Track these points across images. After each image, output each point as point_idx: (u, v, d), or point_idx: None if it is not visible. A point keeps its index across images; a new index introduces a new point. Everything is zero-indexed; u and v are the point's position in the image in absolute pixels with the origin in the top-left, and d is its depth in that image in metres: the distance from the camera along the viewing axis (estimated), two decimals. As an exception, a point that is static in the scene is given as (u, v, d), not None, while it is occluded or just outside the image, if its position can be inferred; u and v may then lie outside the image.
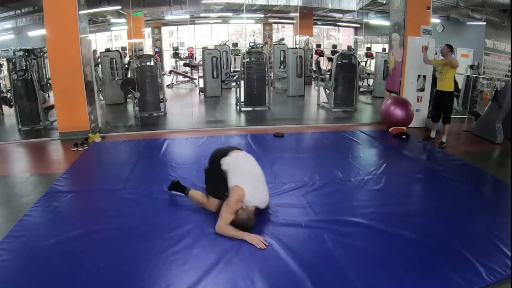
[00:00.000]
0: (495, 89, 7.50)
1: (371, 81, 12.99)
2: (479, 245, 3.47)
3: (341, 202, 4.42)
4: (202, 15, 16.57)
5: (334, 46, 15.40)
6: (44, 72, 11.90)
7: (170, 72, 14.46)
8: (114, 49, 12.10)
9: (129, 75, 10.61)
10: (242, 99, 9.90)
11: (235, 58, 14.99)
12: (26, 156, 6.81)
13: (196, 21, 17.21)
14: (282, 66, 13.55)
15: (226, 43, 15.01)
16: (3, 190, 4.98)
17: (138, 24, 14.34)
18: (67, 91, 7.22)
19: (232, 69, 13.85)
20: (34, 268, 3.10)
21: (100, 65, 10.81)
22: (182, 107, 10.46)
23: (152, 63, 9.46)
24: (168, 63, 15.93)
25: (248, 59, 9.82)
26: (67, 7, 6.93)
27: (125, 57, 12.00)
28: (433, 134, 7.16)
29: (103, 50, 11.41)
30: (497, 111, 7.10)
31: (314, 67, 12.31)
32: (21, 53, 10.17)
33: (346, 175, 5.18)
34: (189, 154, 6.45)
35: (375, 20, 15.37)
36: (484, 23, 11.56)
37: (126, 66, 11.22)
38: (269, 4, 13.70)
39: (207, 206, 4.05)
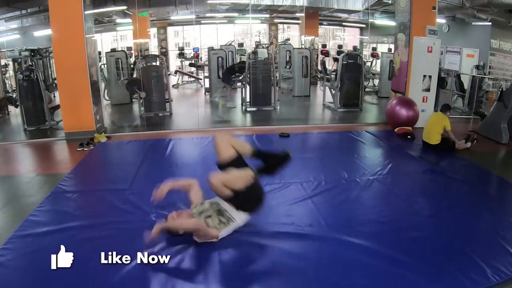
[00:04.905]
0: (500, 89, 7.47)
1: (376, 81, 12.96)
2: (484, 246, 3.48)
3: (347, 201, 4.42)
4: (207, 15, 16.54)
5: (340, 46, 15.32)
6: (50, 72, 11.92)
7: (176, 72, 14.47)
8: (120, 49, 12.11)
9: (134, 75, 10.64)
10: (248, 99, 9.88)
11: (240, 58, 14.98)
12: (32, 156, 6.85)
13: (202, 21, 17.20)
14: (287, 66, 13.52)
15: (232, 43, 15.01)
16: (8, 190, 5.01)
17: (144, 24, 14.34)
18: (72, 91, 7.26)
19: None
20: (40, 269, 3.11)
21: (105, 65, 10.85)
22: (188, 107, 10.47)
23: (158, 63, 9.47)
24: (174, 63, 15.93)
25: (254, 59, 9.79)
26: (72, 7, 6.96)
27: (130, 57, 12.02)
28: None
29: (109, 50, 11.43)
30: (502, 111, 7.07)
31: (319, 67, 12.29)
32: (26, 53, 10.20)
33: (351, 175, 5.18)
34: (195, 154, 6.46)
35: (381, 20, 15.30)
36: (490, 23, 11.50)
37: (132, 66, 11.24)
38: (274, 4, 13.70)
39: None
